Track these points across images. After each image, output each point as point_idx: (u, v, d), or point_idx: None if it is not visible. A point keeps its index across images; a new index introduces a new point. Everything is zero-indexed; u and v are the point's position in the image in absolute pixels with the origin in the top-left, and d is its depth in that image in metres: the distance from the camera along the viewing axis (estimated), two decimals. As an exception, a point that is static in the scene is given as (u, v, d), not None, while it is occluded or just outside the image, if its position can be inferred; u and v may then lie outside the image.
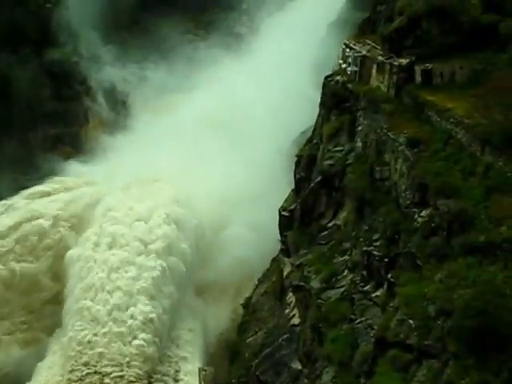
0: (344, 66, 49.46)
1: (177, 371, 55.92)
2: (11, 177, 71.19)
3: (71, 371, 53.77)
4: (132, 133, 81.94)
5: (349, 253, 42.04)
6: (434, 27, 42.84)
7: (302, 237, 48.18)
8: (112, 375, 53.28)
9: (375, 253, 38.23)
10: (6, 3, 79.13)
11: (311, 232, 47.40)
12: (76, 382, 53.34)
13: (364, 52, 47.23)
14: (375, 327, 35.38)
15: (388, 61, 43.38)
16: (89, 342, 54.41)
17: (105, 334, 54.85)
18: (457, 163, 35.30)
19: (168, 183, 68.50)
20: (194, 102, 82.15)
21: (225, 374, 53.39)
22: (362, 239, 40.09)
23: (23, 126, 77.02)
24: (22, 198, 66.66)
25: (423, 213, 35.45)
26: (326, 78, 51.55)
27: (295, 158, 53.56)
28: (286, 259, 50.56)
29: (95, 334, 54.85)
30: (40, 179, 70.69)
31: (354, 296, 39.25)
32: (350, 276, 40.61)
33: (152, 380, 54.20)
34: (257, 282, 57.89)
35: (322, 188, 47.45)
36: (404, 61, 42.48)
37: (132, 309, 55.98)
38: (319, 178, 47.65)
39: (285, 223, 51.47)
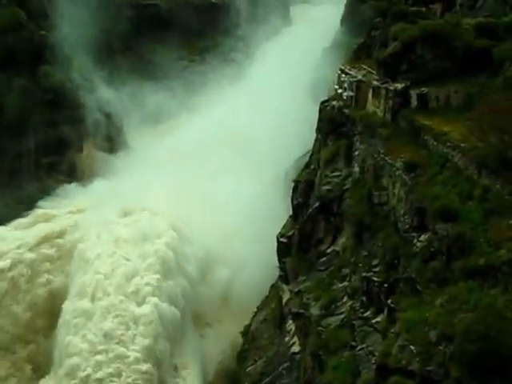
0: (340, 91, 49.59)
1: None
2: (4, 206, 70.59)
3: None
4: (128, 159, 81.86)
5: (348, 279, 41.82)
6: (429, 52, 43.13)
7: (300, 263, 47.96)
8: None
9: (375, 278, 38.04)
10: (-2, 29, 79.12)
11: (310, 258, 47.20)
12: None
13: (359, 77, 47.40)
14: (376, 354, 35.02)
15: (383, 85, 43.51)
16: None
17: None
18: (454, 187, 35.27)
19: (162, 213, 67.64)
20: (190, 128, 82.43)
21: (225, 403, 52.97)
22: (361, 265, 39.92)
23: (15, 153, 76.49)
24: None
25: (422, 237, 35.35)
26: (323, 103, 51.72)
27: (292, 184, 53.54)
28: (284, 286, 50.27)
29: None
30: (33, 208, 70.31)
31: (354, 322, 38.98)
32: (350, 302, 40.38)
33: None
34: (256, 310, 57.54)
35: (320, 214, 47.34)
36: (399, 85, 42.63)
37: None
38: (317, 204, 47.55)
39: (283, 250, 51.24)
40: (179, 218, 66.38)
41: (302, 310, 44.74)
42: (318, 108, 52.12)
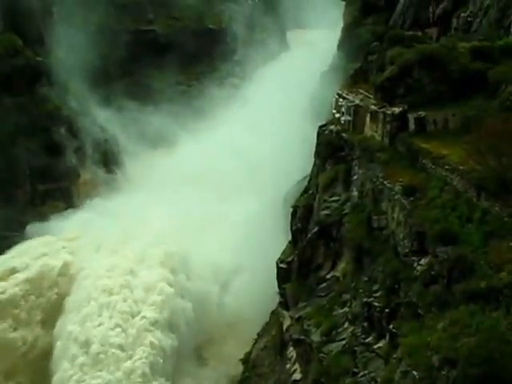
0: (338, 115, 49.73)
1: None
2: (-2, 234, 70.40)
3: None
4: (125, 184, 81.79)
5: (349, 304, 41.56)
6: (425, 76, 43.25)
7: (300, 289, 47.73)
8: None
9: (375, 304, 37.80)
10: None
11: (310, 284, 46.98)
12: None
13: (357, 101, 47.52)
14: (379, 380, 34.78)
15: (381, 110, 43.60)
16: None
17: None
18: (454, 210, 35.14)
19: (158, 242, 67.36)
20: (187, 152, 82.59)
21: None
22: (361, 290, 39.70)
23: (11, 181, 76.22)
24: None
25: (422, 261, 35.16)
26: (320, 127, 51.84)
27: (291, 209, 53.43)
28: (285, 312, 49.96)
29: None
30: (29, 237, 69.99)
31: (355, 348, 38.68)
32: (351, 328, 40.09)
33: None
34: (256, 337, 57.14)
35: (319, 239, 47.21)
36: (397, 109, 42.70)
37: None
38: (316, 229, 47.41)
39: (283, 275, 51.02)
40: (176, 246, 66.22)
41: (302, 337, 44.42)
42: (316, 132, 52.23)
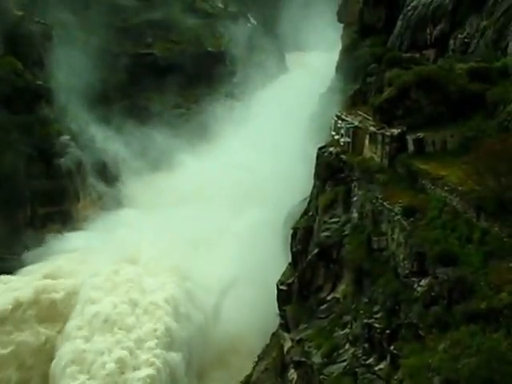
0: (337, 137, 49.86)
1: None
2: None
3: None
4: (124, 207, 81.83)
5: (349, 326, 41.44)
6: (424, 97, 43.36)
7: (301, 311, 47.58)
8: None
9: (376, 325, 37.69)
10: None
11: (310, 306, 46.84)
12: None
13: (356, 123, 47.67)
14: (380, 401, 34.65)
15: (380, 131, 43.71)
16: None
17: None
18: (453, 230, 35.16)
19: (159, 267, 67.32)
20: (187, 174, 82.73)
21: None
22: (362, 311, 39.57)
23: (11, 204, 76.35)
24: None
25: (422, 282, 35.13)
26: (320, 149, 51.94)
27: (291, 231, 53.41)
28: (285, 334, 49.75)
29: None
30: (29, 260, 69.99)
31: (356, 370, 38.52)
32: (352, 350, 39.96)
33: None
34: (257, 359, 56.88)
35: (319, 260, 47.13)
36: (396, 131, 42.80)
37: None
38: (316, 250, 47.38)
39: (283, 297, 50.87)
40: (178, 269, 66.21)
41: (303, 359, 44.22)
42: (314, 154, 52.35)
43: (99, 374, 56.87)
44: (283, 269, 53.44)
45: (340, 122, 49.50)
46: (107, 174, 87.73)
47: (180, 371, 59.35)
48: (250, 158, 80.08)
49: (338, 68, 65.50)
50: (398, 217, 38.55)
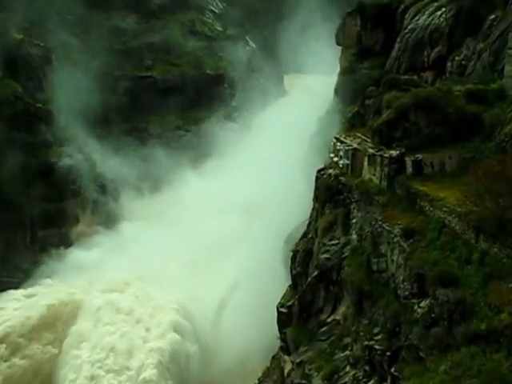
0: (336, 159, 50.04)
1: None
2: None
3: None
4: (124, 231, 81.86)
5: (350, 348, 41.33)
6: (422, 119, 43.49)
7: (301, 333, 47.49)
8: None
9: (377, 347, 37.57)
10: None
11: (310, 328, 46.77)
12: None
13: (355, 145, 47.84)
14: (381, 424, 34.51)
15: (378, 153, 43.84)
16: None
17: None
18: (453, 252, 35.18)
19: (159, 293, 67.27)
20: (186, 198, 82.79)
21: None
22: (362, 333, 39.47)
23: (11, 226, 76.34)
24: None
25: (423, 303, 35.09)
26: (319, 171, 52.13)
27: (291, 253, 53.42)
28: (286, 357, 49.63)
29: None
30: (28, 283, 69.94)
31: (357, 392, 38.44)
32: (353, 372, 39.82)
33: None
34: (257, 382, 56.66)
35: (319, 282, 47.14)
36: (394, 152, 42.92)
37: None
38: (316, 273, 47.38)
39: (283, 320, 50.77)
40: (178, 296, 66.21)
41: (304, 382, 44.04)
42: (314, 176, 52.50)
43: None
44: (283, 291, 53.40)
45: (339, 144, 49.73)
46: (107, 195, 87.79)
47: None
48: (249, 182, 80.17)
49: (336, 90, 65.86)
50: (398, 238, 38.57)
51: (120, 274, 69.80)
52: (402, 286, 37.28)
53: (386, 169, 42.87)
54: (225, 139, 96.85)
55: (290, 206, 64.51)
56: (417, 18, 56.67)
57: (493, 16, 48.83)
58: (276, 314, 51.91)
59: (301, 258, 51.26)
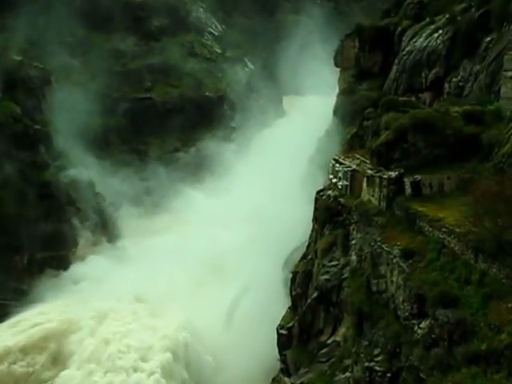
0: (335, 180, 50.23)
1: None
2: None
3: None
4: (122, 253, 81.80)
5: (350, 369, 41.23)
6: (420, 140, 43.72)
7: (301, 355, 47.41)
8: None
9: (377, 368, 37.53)
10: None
11: (311, 350, 46.72)
12: None
13: (353, 166, 48.05)
14: None
15: (377, 174, 44.01)
16: None
17: None
18: (452, 272, 35.24)
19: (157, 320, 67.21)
20: (184, 222, 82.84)
21: None
22: (362, 355, 39.41)
23: (10, 249, 76.09)
24: None
25: (423, 324, 35.12)
26: (318, 192, 52.25)
27: (290, 275, 53.39)
28: (286, 379, 49.49)
29: None
30: (26, 305, 69.72)
31: (358, 414, 38.31)
32: (353, 393, 39.76)
33: None
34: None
35: (319, 304, 47.14)
36: (393, 173, 43.08)
37: None
38: (316, 294, 47.40)
39: (283, 342, 50.70)
40: (178, 320, 66.08)
41: (304, 403, 44.00)
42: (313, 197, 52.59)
43: None
44: (283, 313, 53.30)
45: (338, 165, 49.92)
46: (106, 218, 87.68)
47: None
48: (249, 205, 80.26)
49: (335, 111, 66.18)
50: (397, 259, 38.64)
51: (119, 294, 69.63)
52: (401, 306, 37.30)
53: (384, 190, 43.02)
54: (224, 160, 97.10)
55: (289, 226, 64.49)
56: (414, 40, 57.19)
57: (489, 38, 49.33)
58: (276, 336, 51.79)
59: (300, 279, 51.27)
